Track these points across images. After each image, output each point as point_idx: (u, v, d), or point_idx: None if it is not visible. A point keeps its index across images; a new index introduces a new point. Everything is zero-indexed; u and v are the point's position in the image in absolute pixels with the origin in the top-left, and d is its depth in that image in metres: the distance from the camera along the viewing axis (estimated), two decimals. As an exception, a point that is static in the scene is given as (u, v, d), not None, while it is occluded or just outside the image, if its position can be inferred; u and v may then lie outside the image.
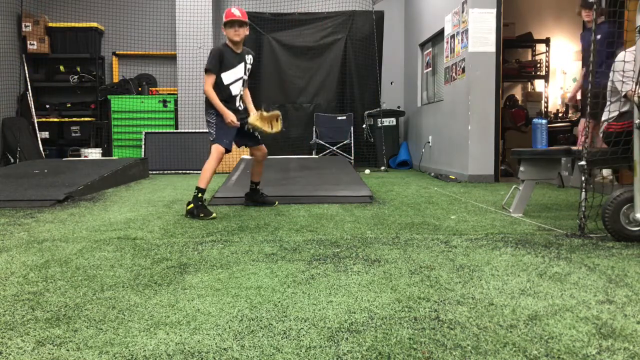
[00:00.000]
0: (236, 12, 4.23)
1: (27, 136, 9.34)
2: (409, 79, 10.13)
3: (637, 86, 2.97)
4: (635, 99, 2.97)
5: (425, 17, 8.99)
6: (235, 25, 4.22)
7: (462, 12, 7.00)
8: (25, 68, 9.66)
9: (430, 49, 8.85)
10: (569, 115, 8.52)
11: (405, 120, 10.23)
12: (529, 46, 9.62)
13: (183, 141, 9.18)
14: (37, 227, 3.76)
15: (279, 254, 2.90)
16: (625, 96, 3.58)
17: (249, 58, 4.43)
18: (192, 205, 4.15)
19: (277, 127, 4.44)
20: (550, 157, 4.27)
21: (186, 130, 9.45)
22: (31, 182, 5.72)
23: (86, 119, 9.95)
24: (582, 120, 5.77)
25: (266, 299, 2.12)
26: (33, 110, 9.56)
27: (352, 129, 9.39)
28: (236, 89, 4.35)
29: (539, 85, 9.73)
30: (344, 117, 9.49)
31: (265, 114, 4.38)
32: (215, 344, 1.68)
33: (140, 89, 9.97)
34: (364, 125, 9.61)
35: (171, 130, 9.58)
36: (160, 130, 9.51)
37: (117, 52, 10.29)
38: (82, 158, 9.22)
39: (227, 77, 4.28)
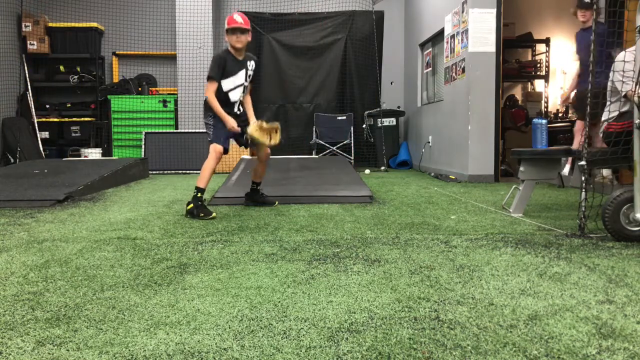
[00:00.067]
0: (238, 19, 4.22)
1: (27, 136, 9.34)
2: (409, 79, 10.13)
3: (637, 86, 2.97)
4: (635, 99, 2.97)
5: (425, 17, 8.99)
6: (237, 32, 4.23)
7: (462, 12, 7.00)
8: (25, 68, 9.66)
9: (430, 49, 8.85)
10: (569, 115, 8.52)
11: (405, 120, 10.23)
12: (529, 46, 9.62)
13: (183, 141, 9.18)
14: (37, 227, 3.76)
15: (279, 254, 2.90)
16: (625, 96, 3.58)
17: (251, 64, 4.41)
18: (192, 205, 4.16)
19: (276, 139, 4.40)
20: (550, 157, 4.27)
21: (186, 130, 9.45)
22: (31, 182, 5.72)
23: (86, 119, 9.95)
24: (578, 121, 5.77)
25: (266, 299, 2.12)
26: (33, 110, 9.56)
27: (352, 129, 9.39)
28: (235, 96, 4.35)
29: (539, 85, 9.73)
30: (344, 117, 9.49)
31: (265, 124, 4.35)
32: (215, 344, 1.68)
33: (140, 89, 9.97)
34: (364, 125, 9.61)
35: (171, 130, 9.58)
36: (160, 130, 9.51)
37: (117, 52, 10.29)
38: (82, 158, 9.22)
39: (226, 83, 4.29)
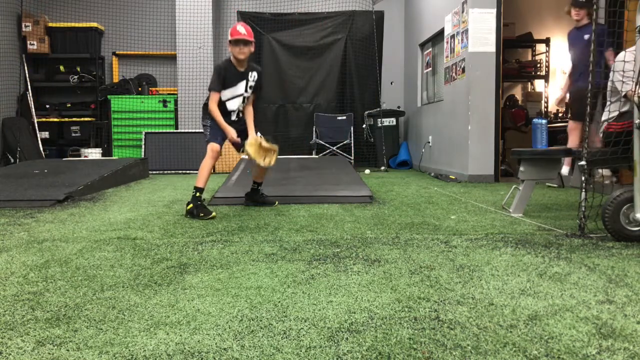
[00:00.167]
0: (242, 30, 4.22)
1: (27, 136, 9.34)
2: (409, 79, 10.13)
3: (637, 86, 2.97)
4: (635, 99, 2.97)
5: (425, 17, 8.99)
6: (240, 44, 4.23)
7: (462, 12, 7.00)
8: (25, 68, 9.66)
9: (430, 49, 8.85)
10: (569, 115, 8.52)
11: (405, 120, 10.23)
12: (529, 46, 9.62)
13: (183, 141, 9.18)
14: (37, 227, 3.76)
15: (279, 254, 2.90)
16: (625, 96, 3.58)
17: (253, 75, 4.40)
18: (191, 205, 4.16)
19: (271, 161, 4.38)
20: (550, 157, 4.27)
21: (186, 130, 9.45)
22: (31, 182, 5.72)
23: (86, 119, 9.95)
24: (571, 121, 5.76)
25: (266, 299, 2.12)
26: (33, 110, 9.56)
27: (352, 129, 9.39)
28: (232, 105, 4.37)
29: (539, 85, 9.73)
30: (344, 117, 9.49)
31: (264, 143, 4.34)
32: (215, 344, 1.68)
33: (140, 89, 9.97)
34: (364, 125, 9.61)
35: (171, 130, 9.58)
36: (160, 130, 9.51)
37: (117, 52, 10.29)
38: (82, 158, 9.22)
39: (225, 93, 4.31)
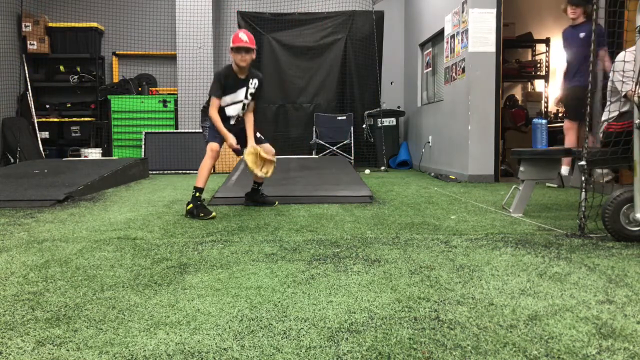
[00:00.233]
0: (244, 37, 4.22)
1: (27, 136, 9.34)
2: (409, 79, 10.13)
3: (637, 86, 2.97)
4: (635, 99, 2.97)
5: (425, 17, 8.99)
6: (242, 52, 4.23)
7: (462, 12, 7.00)
8: (25, 68, 9.66)
9: (430, 49, 8.85)
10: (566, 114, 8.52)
11: (405, 120, 10.23)
12: (529, 46, 9.61)
13: (183, 141, 9.18)
14: (37, 227, 3.76)
15: (279, 254, 2.90)
16: (625, 96, 3.58)
17: (254, 82, 4.40)
18: (191, 205, 4.16)
19: (268, 172, 4.38)
20: (550, 157, 4.27)
21: (186, 130, 9.45)
22: (31, 182, 5.72)
23: (86, 119, 9.95)
24: (567, 120, 5.75)
25: (266, 299, 2.12)
26: (33, 110, 9.56)
27: (352, 129, 9.39)
28: (231, 111, 4.39)
29: (539, 85, 9.73)
30: (344, 117, 9.49)
31: (263, 154, 4.34)
32: (215, 344, 1.68)
33: (140, 89, 9.97)
34: (364, 125, 9.61)
35: (171, 130, 9.58)
36: (160, 130, 9.51)
37: (117, 52, 10.29)
38: (82, 158, 9.22)
39: (225, 99, 4.34)
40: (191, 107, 9.55)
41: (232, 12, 10.12)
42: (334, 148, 9.27)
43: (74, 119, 9.95)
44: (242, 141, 4.41)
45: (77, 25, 9.90)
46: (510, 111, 8.72)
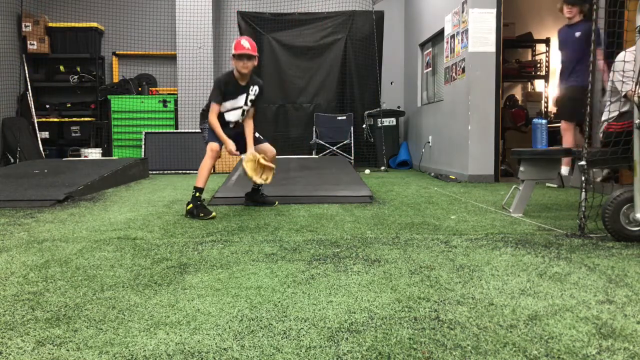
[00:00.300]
0: (246, 45, 4.23)
1: (27, 136, 9.34)
2: (409, 79, 10.13)
3: (637, 86, 2.97)
4: (635, 99, 2.97)
5: (425, 17, 8.99)
6: (244, 59, 4.24)
7: (462, 12, 7.00)
8: (25, 68, 9.66)
9: (430, 49, 8.85)
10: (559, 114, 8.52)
11: (405, 120, 10.23)
12: (529, 46, 9.62)
13: (183, 141, 9.18)
14: (37, 227, 3.76)
15: (279, 254, 2.90)
16: (625, 96, 3.58)
17: (254, 89, 4.41)
18: (191, 205, 4.16)
19: (267, 178, 4.39)
20: (550, 157, 4.27)
21: (186, 130, 9.45)
22: (31, 182, 5.72)
23: (86, 119, 9.95)
24: (563, 121, 5.75)
25: (266, 299, 2.12)
26: (33, 110, 9.56)
27: (352, 129, 9.39)
28: (232, 117, 4.41)
29: (539, 85, 9.73)
30: (344, 117, 9.49)
31: (262, 161, 4.35)
32: (215, 344, 1.68)
33: (140, 89, 9.97)
34: (364, 125, 9.61)
35: (171, 130, 9.58)
36: (160, 130, 9.51)
37: (117, 52, 10.29)
38: (82, 158, 9.22)
39: (225, 105, 4.35)
40: (191, 107, 9.55)
41: (232, 12, 10.12)
42: (334, 148, 9.27)
43: (74, 119, 9.95)
44: (241, 145, 4.42)
45: (77, 25, 9.90)
46: (510, 111, 8.71)
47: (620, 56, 3.67)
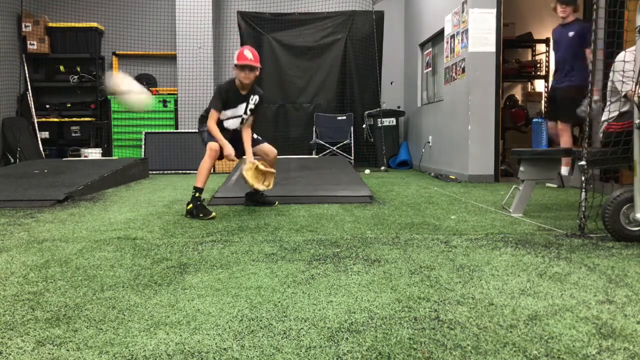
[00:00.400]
0: (249, 55, 4.23)
1: (27, 136, 9.34)
2: (409, 79, 10.13)
3: (637, 86, 2.97)
4: (635, 99, 2.97)
5: (425, 17, 8.99)
6: (247, 70, 4.25)
7: (462, 12, 7.00)
8: (25, 68, 9.66)
9: (430, 49, 8.85)
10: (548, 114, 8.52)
11: (405, 120, 10.23)
12: (529, 46, 9.62)
13: (183, 141, 9.18)
14: (37, 227, 3.76)
15: (279, 254, 2.90)
16: (625, 96, 3.57)
17: (254, 99, 4.43)
18: (191, 205, 4.16)
19: (269, 184, 4.40)
20: (550, 157, 4.27)
21: (186, 130, 9.45)
22: (31, 182, 5.72)
23: (86, 119, 9.95)
24: (560, 122, 5.75)
25: (266, 299, 2.12)
26: (33, 110, 9.56)
27: (352, 129, 9.39)
28: (231, 125, 4.43)
29: (539, 85, 9.73)
30: (344, 117, 9.49)
31: (261, 167, 4.35)
32: (215, 344, 1.68)
33: (140, 89, 9.96)
34: (364, 125, 9.61)
35: (171, 130, 9.58)
36: (160, 130, 9.51)
37: (117, 52, 10.29)
38: (82, 158, 9.22)
39: (225, 113, 4.37)
40: (191, 107, 9.55)
41: (232, 12, 10.12)
42: (334, 148, 9.27)
43: (74, 119, 9.94)
44: (240, 149, 4.43)
45: (77, 25, 9.90)
46: (510, 111, 8.72)
47: (620, 56, 3.67)
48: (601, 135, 3.84)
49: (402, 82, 10.58)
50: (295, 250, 2.99)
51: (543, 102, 9.50)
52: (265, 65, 9.52)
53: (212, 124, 4.29)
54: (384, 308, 2.00)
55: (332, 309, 2.00)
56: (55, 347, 1.67)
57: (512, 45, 9.06)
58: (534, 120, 6.75)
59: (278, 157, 4.73)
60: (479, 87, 6.73)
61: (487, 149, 6.78)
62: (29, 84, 9.66)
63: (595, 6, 3.37)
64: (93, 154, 9.54)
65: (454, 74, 7.36)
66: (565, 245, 3.05)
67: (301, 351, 1.62)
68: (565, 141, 5.64)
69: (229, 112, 4.37)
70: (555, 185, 6.05)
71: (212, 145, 4.26)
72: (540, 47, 9.45)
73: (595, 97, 4.91)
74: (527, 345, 1.65)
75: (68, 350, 1.64)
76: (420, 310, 1.97)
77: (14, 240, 3.33)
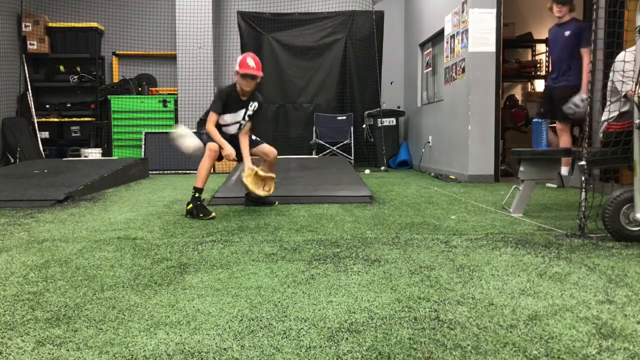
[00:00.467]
0: (251, 64, 4.23)
1: (27, 136, 9.34)
2: (409, 79, 10.13)
3: (637, 86, 2.97)
4: (635, 99, 2.97)
5: (425, 17, 8.99)
6: (248, 78, 4.26)
7: (462, 12, 7.00)
8: (25, 68, 9.66)
9: (430, 49, 8.85)
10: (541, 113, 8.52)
11: (405, 120, 10.23)
12: (529, 46, 9.62)
13: (183, 141, 9.17)
14: (37, 227, 3.76)
15: (279, 254, 2.90)
16: (625, 96, 3.57)
17: (253, 105, 4.43)
18: (191, 205, 4.16)
19: (270, 189, 4.40)
20: (550, 157, 4.27)
21: (186, 130, 9.44)
22: (31, 182, 5.72)
23: (86, 119, 9.95)
24: (558, 123, 5.75)
25: (266, 299, 2.12)
26: (33, 110, 9.56)
27: (352, 129, 9.39)
28: (229, 130, 4.43)
29: (539, 85, 9.73)
30: (344, 117, 9.49)
31: (261, 172, 4.35)
32: (215, 344, 1.68)
33: (140, 89, 9.97)
34: (364, 125, 9.61)
35: (171, 130, 9.57)
36: (160, 130, 9.51)
37: (117, 52, 10.29)
38: (82, 158, 9.22)
39: (225, 118, 4.37)
40: (191, 107, 9.55)
41: (232, 12, 10.12)
42: (334, 148, 9.27)
43: (74, 119, 9.94)
44: (238, 155, 4.43)
45: (77, 25, 9.90)
46: (510, 111, 8.72)
47: (620, 56, 3.67)
48: (601, 135, 3.84)
49: (402, 82, 10.58)
50: (295, 250, 2.99)
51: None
52: (265, 65, 9.49)
53: (210, 127, 4.30)
54: (384, 308, 2.00)
55: (332, 309, 2.00)
56: (55, 347, 1.67)
57: (512, 45, 9.06)
58: (534, 120, 6.72)
59: (278, 157, 4.72)
60: (479, 87, 6.72)
61: (487, 149, 6.78)
62: (29, 84, 9.66)
63: (595, 6, 3.37)
64: (93, 154, 9.54)
65: (454, 74, 7.36)
66: (565, 245, 3.05)
67: (301, 351, 1.62)
68: (564, 141, 5.64)
69: (228, 118, 4.37)
70: (555, 185, 6.05)
71: (211, 146, 4.26)
72: (540, 47, 9.45)
73: (584, 95, 4.92)
74: (527, 345, 1.65)
75: (68, 350, 1.64)
76: (420, 310, 1.97)
77: (14, 240, 3.33)
